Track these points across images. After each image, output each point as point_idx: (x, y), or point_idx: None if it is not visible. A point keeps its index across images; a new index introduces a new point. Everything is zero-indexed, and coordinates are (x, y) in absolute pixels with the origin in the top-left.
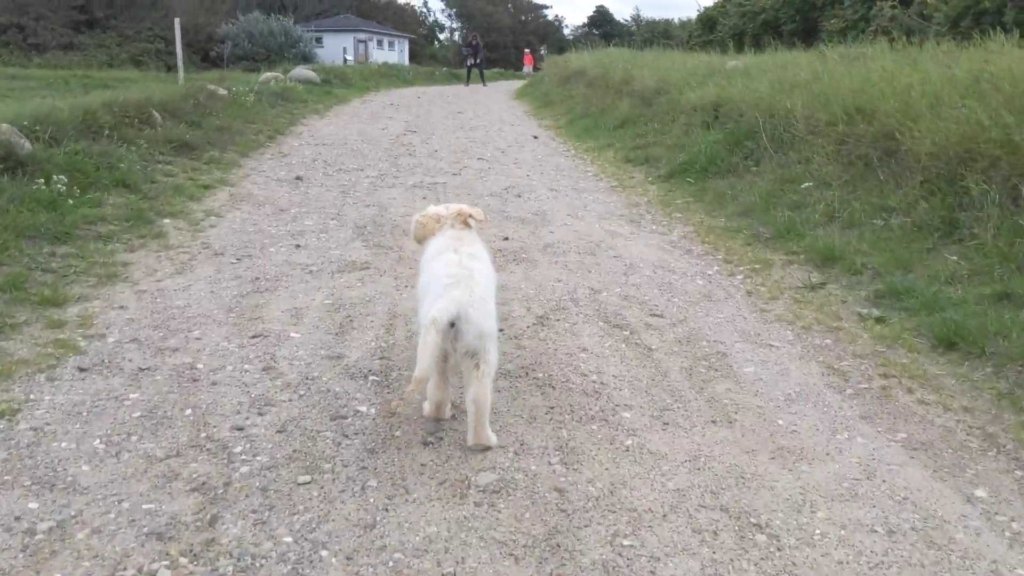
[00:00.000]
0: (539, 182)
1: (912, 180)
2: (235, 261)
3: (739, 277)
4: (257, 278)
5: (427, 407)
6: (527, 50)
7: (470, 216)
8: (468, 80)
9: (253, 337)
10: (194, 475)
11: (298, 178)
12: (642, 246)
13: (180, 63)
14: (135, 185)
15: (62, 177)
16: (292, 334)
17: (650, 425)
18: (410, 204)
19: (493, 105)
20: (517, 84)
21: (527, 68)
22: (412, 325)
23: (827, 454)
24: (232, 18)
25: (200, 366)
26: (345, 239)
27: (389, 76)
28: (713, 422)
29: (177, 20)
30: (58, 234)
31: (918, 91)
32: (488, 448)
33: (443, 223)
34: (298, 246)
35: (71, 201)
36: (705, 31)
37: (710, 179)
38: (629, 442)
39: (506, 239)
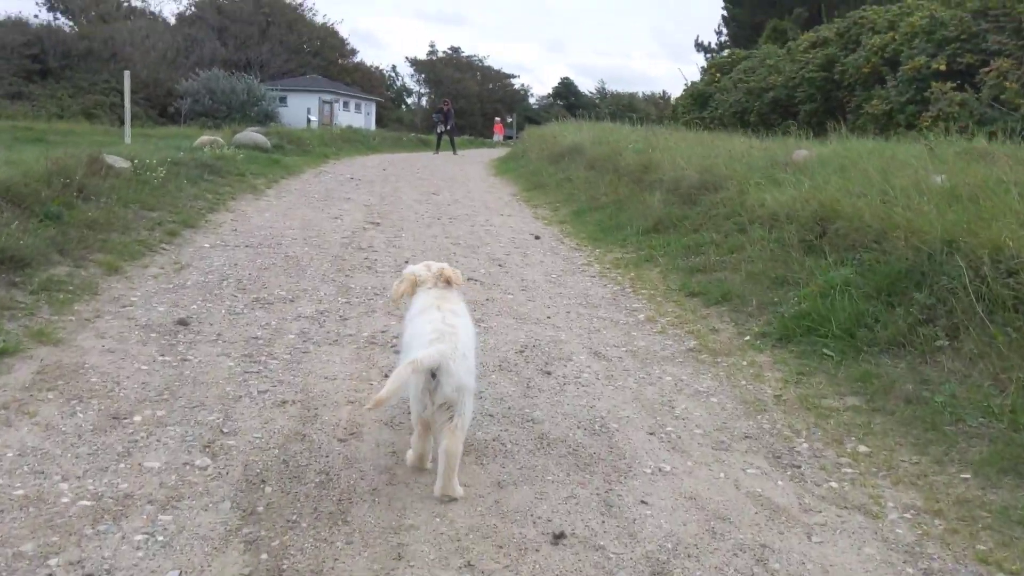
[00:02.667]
0: (571, 334)
1: None
2: None
3: None
4: None
5: (410, 456)
6: (497, 119)
7: (450, 279)
8: (438, 147)
9: None
10: None
11: (182, 322)
12: None
13: (127, 119)
14: None
15: None
16: None
17: None
18: (362, 389)
19: (472, 183)
20: (490, 153)
21: (497, 136)
22: None
23: None
24: (193, 74)
25: None
26: (206, 538)
27: (352, 141)
28: None
29: (127, 73)
30: None
31: None
32: (454, 499)
33: (425, 282)
34: None
35: None
36: (696, 107)
37: (865, 352)
38: None
39: (558, 539)
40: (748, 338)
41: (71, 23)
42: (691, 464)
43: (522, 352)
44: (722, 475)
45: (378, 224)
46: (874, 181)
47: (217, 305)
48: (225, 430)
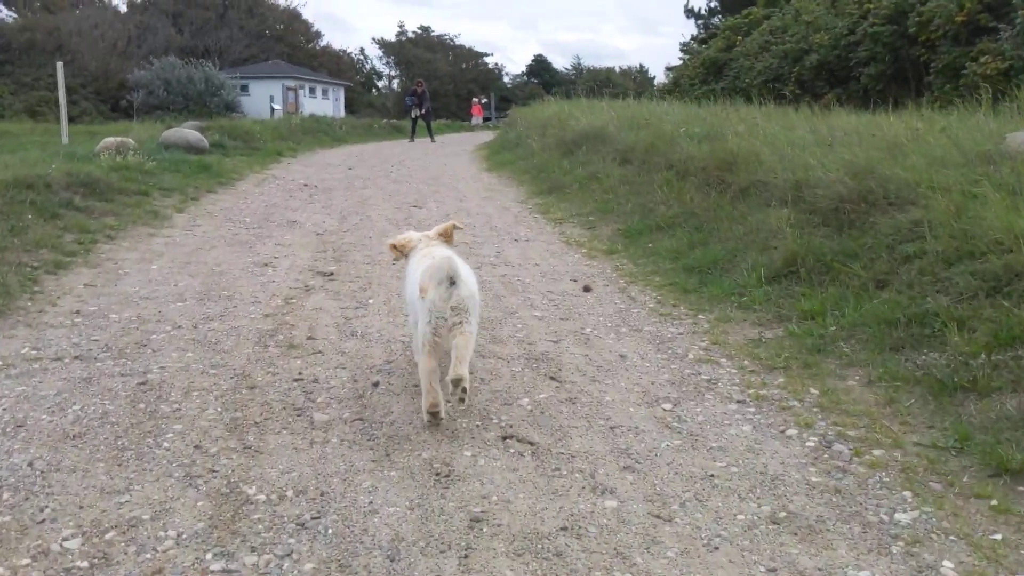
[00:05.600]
0: None
1: None
2: None
3: None
4: None
5: (425, 402)
6: (475, 100)
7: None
8: (413, 134)
9: None
10: None
11: None
12: None
13: (63, 116)
14: None
15: None
16: None
17: None
18: None
19: (462, 183)
20: (472, 139)
21: (476, 119)
22: None
23: None
24: (147, 63)
25: None
26: None
27: (315, 132)
28: None
29: (60, 64)
30: None
31: None
32: (461, 380)
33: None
34: None
35: None
36: (711, 78)
37: None
38: None
39: None
40: None
41: (13, 14)
42: None
43: None
44: None
45: (331, 276)
46: None
47: None
48: None
